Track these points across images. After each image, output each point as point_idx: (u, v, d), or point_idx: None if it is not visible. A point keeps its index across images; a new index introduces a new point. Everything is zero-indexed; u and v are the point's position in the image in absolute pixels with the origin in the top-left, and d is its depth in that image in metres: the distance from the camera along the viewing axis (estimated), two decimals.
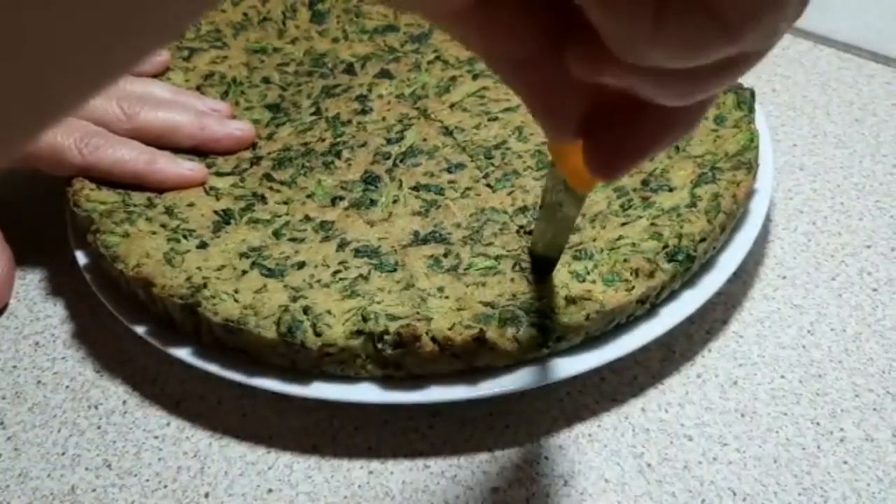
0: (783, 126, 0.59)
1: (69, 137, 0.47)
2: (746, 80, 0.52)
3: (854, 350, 0.45)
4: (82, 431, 0.44)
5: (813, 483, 0.40)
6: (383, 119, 0.53)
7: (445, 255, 0.44)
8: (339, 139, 0.52)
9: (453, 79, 0.55)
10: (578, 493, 0.40)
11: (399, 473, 0.42)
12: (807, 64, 0.64)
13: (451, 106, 0.54)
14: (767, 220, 0.52)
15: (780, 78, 0.62)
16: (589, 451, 0.42)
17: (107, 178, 0.48)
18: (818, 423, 0.42)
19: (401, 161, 0.50)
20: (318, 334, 0.40)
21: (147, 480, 0.42)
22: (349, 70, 0.57)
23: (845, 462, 0.41)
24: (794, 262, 0.50)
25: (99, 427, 0.44)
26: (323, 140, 0.52)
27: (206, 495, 0.41)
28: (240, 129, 0.51)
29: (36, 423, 0.45)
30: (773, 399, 0.43)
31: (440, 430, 0.43)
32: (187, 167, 0.49)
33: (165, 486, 0.42)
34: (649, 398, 0.44)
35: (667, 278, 0.42)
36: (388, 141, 0.52)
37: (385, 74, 0.56)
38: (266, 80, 0.57)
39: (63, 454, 0.43)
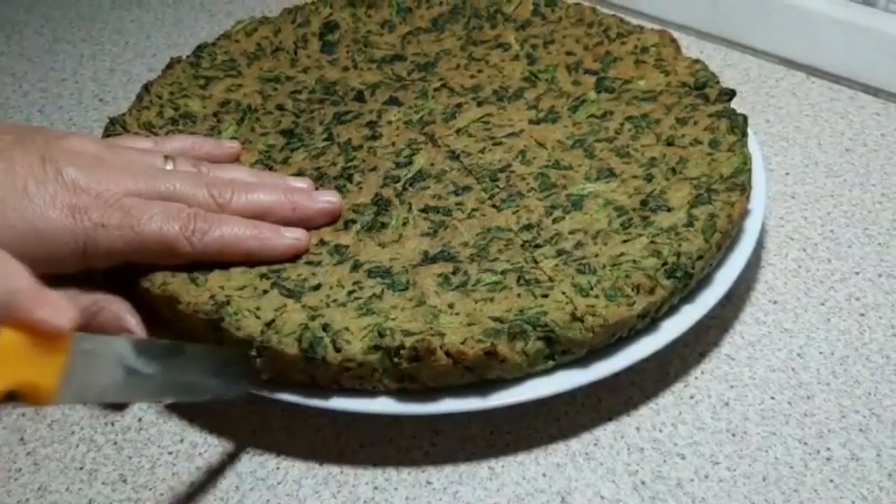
0: (776, 155, 0.60)
1: (174, 225, 0.45)
2: (740, 108, 0.55)
3: (841, 373, 0.47)
4: (99, 447, 0.46)
5: (800, 500, 0.42)
6: (392, 144, 0.55)
7: (454, 273, 0.46)
8: (350, 164, 0.54)
9: (459, 105, 0.57)
10: None
11: (403, 489, 0.43)
12: (799, 95, 0.65)
13: (457, 131, 0.56)
14: (759, 246, 0.54)
15: (774, 109, 0.64)
16: (585, 469, 0.44)
17: (217, 261, 0.47)
18: (806, 443, 0.44)
19: (410, 185, 0.52)
20: (337, 350, 0.42)
21: (161, 495, 0.44)
22: (359, 97, 0.59)
23: (831, 480, 0.42)
24: (784, 287, 0.52)
25: (115, 443, 0.46)
26: (335, 164, 0.54)
27: None
28: (328, 201, 0.51)
29: (55, 439, 0.46)
30: (763, 419, 0.45)
31: (442, 447, 0.45)
32: (292, 237, 0.48)
33: (179, 501, 0.43)
34: (644, 418, 0.46)
35: (666, 294, 0.44)
36: (397, 165, 0.53)
37: (393, 101, 0.58)
38: (280, 108, 0.59)
39: (81, 469, 0.45)
